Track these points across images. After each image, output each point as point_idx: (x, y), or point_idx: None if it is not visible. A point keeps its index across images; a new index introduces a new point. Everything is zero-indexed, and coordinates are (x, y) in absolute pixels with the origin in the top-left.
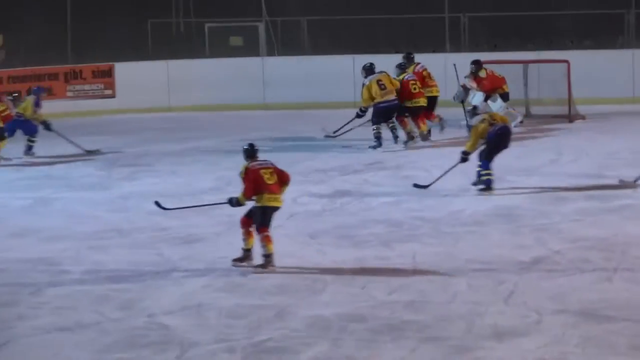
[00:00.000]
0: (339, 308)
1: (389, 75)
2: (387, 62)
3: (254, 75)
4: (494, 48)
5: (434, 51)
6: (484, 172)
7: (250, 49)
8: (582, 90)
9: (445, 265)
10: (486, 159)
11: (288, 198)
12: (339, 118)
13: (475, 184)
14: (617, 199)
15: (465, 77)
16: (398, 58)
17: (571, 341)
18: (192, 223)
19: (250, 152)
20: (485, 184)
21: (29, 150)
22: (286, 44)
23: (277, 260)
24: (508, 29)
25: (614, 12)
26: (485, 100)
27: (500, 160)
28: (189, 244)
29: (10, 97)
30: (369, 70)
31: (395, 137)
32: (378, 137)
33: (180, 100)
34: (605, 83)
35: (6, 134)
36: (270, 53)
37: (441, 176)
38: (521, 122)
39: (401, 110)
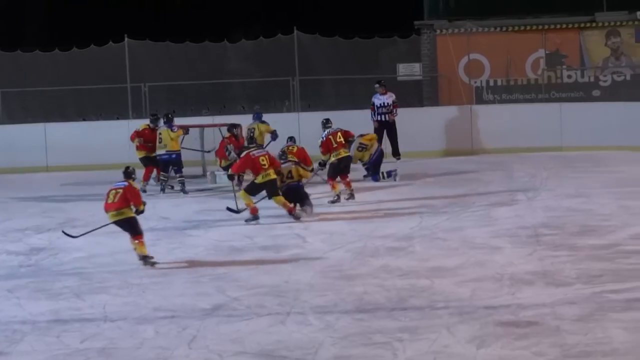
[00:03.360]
0: (36, 356)
1: None
2: (76, 129)
3: None
4: (173, 114)
5: (118, 118)
6: None
7: None
8: None
9: (133, 314)
10: None
11: None
12: (32, 181)
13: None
14: (288, 249)
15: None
16: (88, 125)
17: None
18: None
19: None
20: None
21: None
22: None
23: None
24: (185, 96)
25: (281, 79)
26: None
27: (181, 214)
28: None
29: None
30: None
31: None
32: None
33: None
34: (275, 143)
35: None
36: None
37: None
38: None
39: None
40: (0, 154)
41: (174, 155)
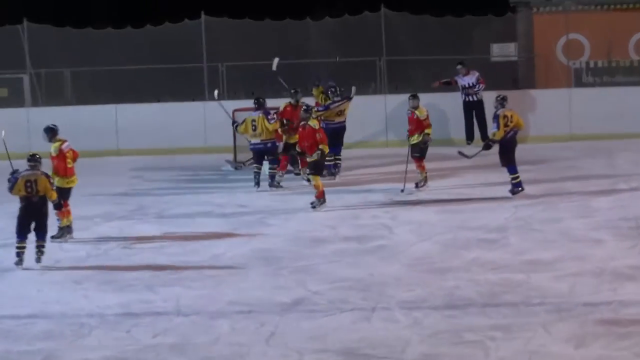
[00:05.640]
0: (105, 352)
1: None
2: (149, 111)
3: (19, 125)
4: (252, 95)
5: (193, 99)
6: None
7: (15, 100)
8: None
9: (208, 308)
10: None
11: (53, 245)
12: (102, 165)
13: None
14: (372, 241)
15: None
16: (162, 107)
17: None
18: None
19: None
20: (518, 186)
21: None
22: (50, 94)
23: (44, 308)
24: (264, 76)
25: (367, 60)
26: None
27: (259, 203)
28: None
29: None
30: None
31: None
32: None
33: None
34: (361, 127)
35: None
36: (35, 104)
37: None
38: None
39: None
40: (69, 136)
41: (269, 144)
